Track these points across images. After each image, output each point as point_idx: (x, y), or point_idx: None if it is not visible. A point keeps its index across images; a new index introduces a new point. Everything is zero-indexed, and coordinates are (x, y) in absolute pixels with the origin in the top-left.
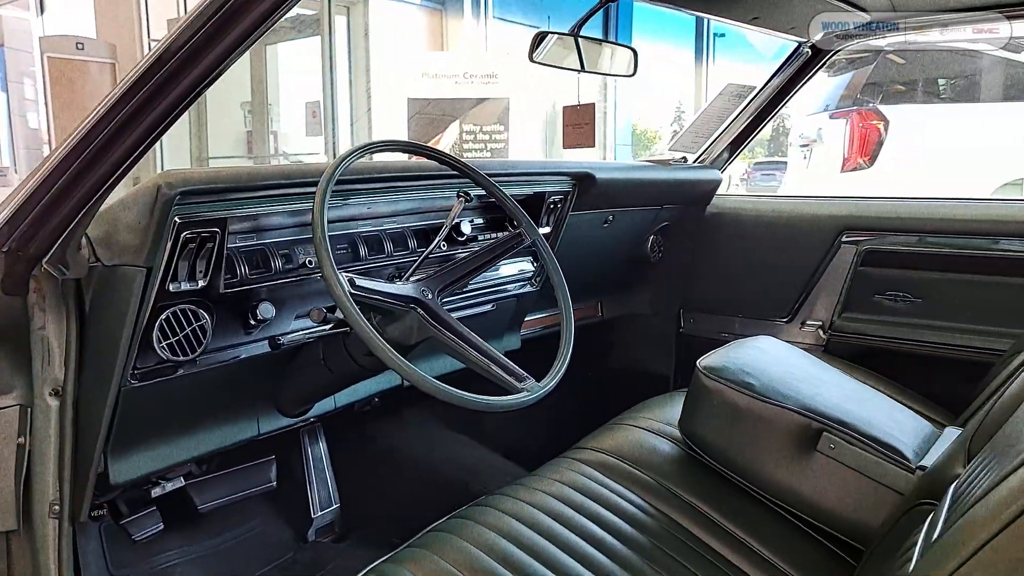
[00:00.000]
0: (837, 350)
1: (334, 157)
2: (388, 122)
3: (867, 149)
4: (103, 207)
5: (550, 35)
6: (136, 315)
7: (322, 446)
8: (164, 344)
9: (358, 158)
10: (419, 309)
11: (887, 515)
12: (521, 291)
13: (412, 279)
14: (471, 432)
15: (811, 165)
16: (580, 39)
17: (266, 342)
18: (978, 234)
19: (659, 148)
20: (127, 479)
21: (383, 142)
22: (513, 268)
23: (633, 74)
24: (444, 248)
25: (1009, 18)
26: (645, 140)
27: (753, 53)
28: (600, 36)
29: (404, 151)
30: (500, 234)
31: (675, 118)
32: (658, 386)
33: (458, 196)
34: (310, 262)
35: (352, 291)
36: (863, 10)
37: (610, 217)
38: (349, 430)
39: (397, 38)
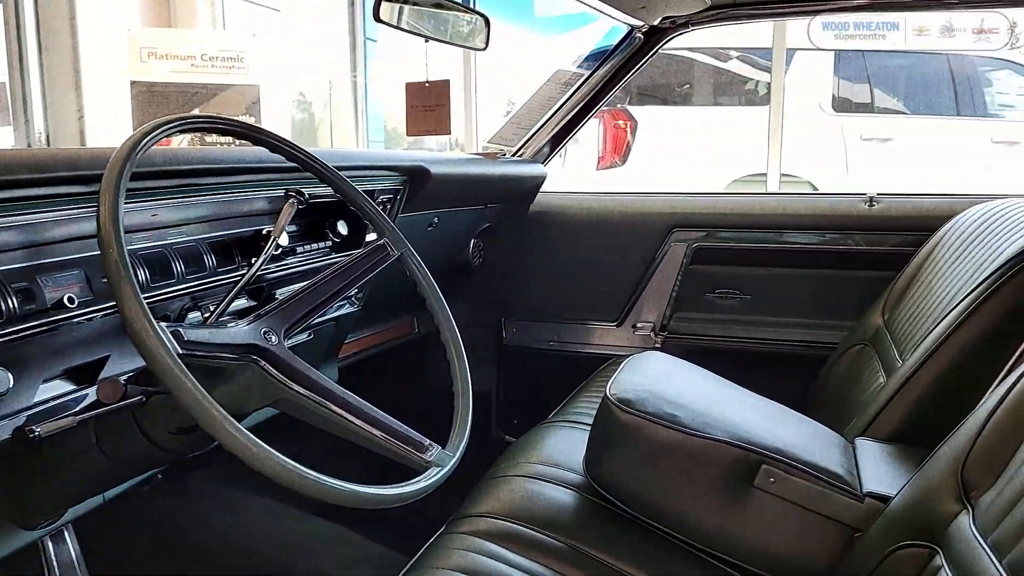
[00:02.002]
0: (671, 353)
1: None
2: (106, 110)
3: (619, 148)
4: None
5: None
6: None
7: (72, 548)
8: None
9: (162, 137)
10: (261, 361)
11: (839, 551)
12: (340, 312)
13: (238, 317)
14: (283, 495)
15: (567, 163)
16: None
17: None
18: (805, 228)
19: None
20: None
21: (200, 117)
22: None
23: (485, 47)
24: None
25: (845, 9)
26: (397, 136)
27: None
28: None
29: (226, 132)
30: (321, 244)
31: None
32: (479, 403)
33: (288, 196)
34: (70, 299)
35: (183, 351)
36: None
37: (435, 220)
38: (110, 518)
39: (109, 8)
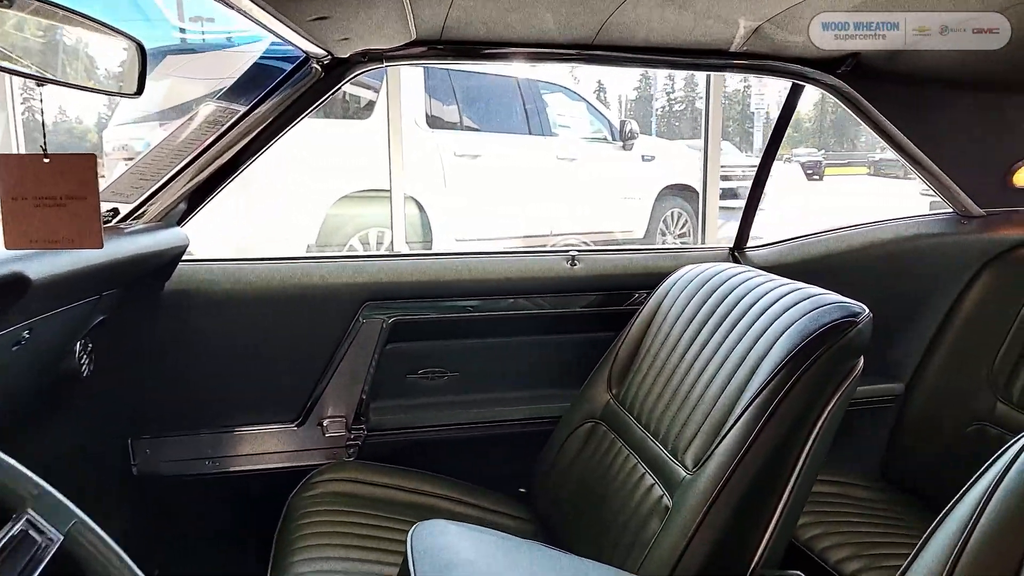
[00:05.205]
0: (372, 453)
1: None
2: None
3: None
4: None
5: None
6: None
7: None
8: None
9: None
10: None
11: None
12: None
13: None
14: None
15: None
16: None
17: None
18: (510, 293)
19: None
20: None
21: None
22: None
23: (139, 92)
24: None
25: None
26: None
27: None
28: None
29: None
30: None
31: None
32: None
33: None
34: None
35: None
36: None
37: (26, 334)
38: None
39: None
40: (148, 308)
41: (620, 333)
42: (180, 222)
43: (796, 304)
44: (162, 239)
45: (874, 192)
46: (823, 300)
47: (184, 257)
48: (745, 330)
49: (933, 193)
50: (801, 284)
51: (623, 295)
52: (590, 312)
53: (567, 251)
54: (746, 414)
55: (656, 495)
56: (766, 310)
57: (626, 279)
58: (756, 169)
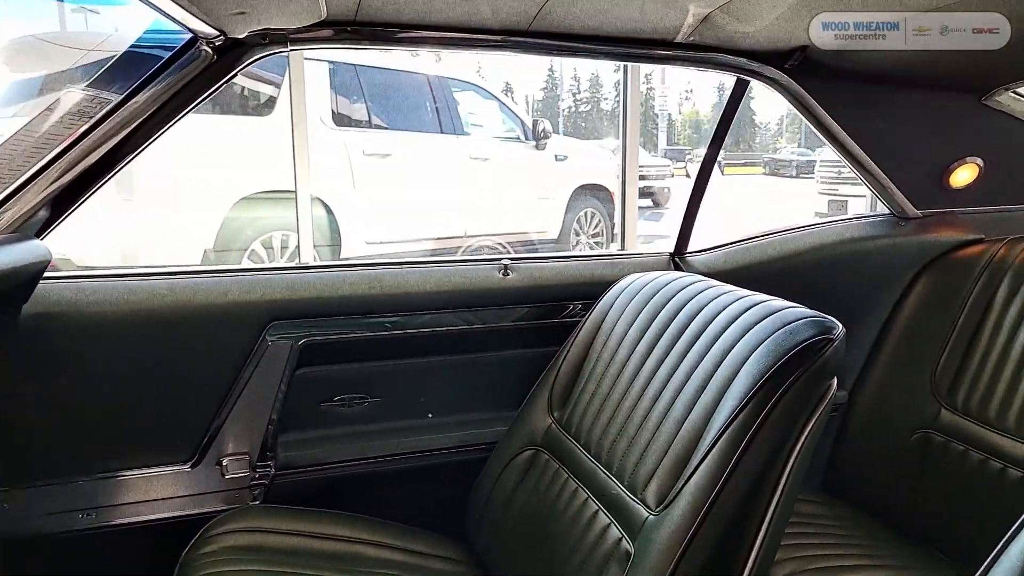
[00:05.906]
0: (281, 495)
1: None
2: None
3: None
4: None
5: None
6: None
7: None
8: None
9: None
10: None
11: None
12: None
13: None
14: None
15: None
16: None
17: None
18: (437, 307)
19: None
20: None
21: None
22: None
23: None
24: None
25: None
26: None
27: None
28: None
29: None
30: None
31: None
32: None
33: None
34: None
35: None
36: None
37: None
38: None
39: None
40: (1, 336)
41: (560, 349)
42: (40, 233)
43: (763, 320)
44: (17, 254)
45: (773, 191)
46: (793, 315)
47: (47, 273)
48: (706, 348)
49: (830, 192)
50: (761, 296)
51: (561, 306)
52: (526, 326)
53: (499, 259)
54: (717, 446)
55: (613, 537)
56: (728, 326)
57: (564, 289)
58: (697, 170)
